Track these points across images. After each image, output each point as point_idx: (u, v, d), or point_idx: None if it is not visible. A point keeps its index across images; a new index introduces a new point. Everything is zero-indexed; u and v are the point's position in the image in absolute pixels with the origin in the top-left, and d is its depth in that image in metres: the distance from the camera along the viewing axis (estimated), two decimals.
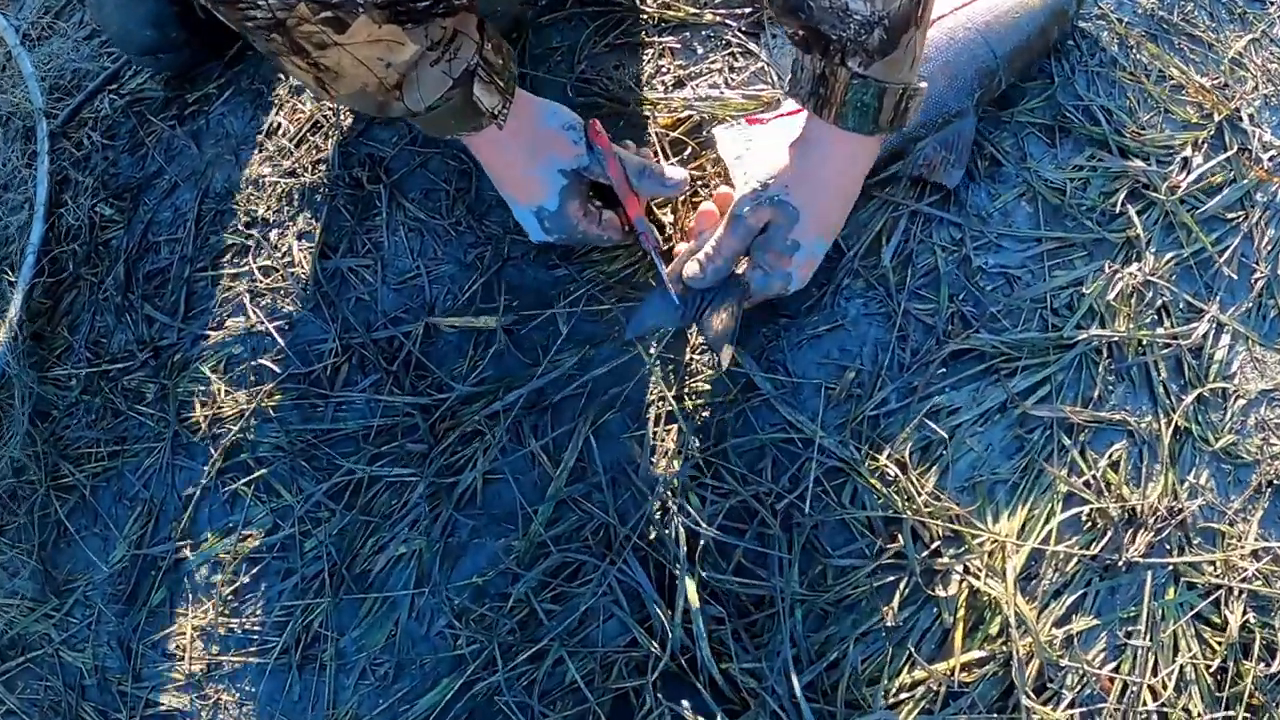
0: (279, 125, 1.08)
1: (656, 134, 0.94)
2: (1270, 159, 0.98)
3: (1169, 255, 0.91)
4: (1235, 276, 0.92)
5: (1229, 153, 0.97)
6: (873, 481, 0.79)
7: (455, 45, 0.72)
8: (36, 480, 0.99)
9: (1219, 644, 0.78)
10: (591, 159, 0.84)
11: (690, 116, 0.96)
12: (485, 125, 0.77)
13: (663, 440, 0.83)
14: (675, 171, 0.87)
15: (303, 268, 0.97)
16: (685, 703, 0.74)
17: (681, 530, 0.77)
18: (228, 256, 1.02)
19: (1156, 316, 0.89)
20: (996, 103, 0.97)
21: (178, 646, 0.87)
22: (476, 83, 0.74)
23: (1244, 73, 1.05)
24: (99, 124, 1.23)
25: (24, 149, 1.30)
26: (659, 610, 0.76)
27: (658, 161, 0.91)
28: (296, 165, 1.04)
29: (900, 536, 0.77)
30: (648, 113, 0.96)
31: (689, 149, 0.94)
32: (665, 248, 0.89)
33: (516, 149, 0.82)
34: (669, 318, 0.83)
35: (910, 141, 0.89)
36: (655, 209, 0.93)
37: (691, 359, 0.86)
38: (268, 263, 0.99)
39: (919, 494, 0.78)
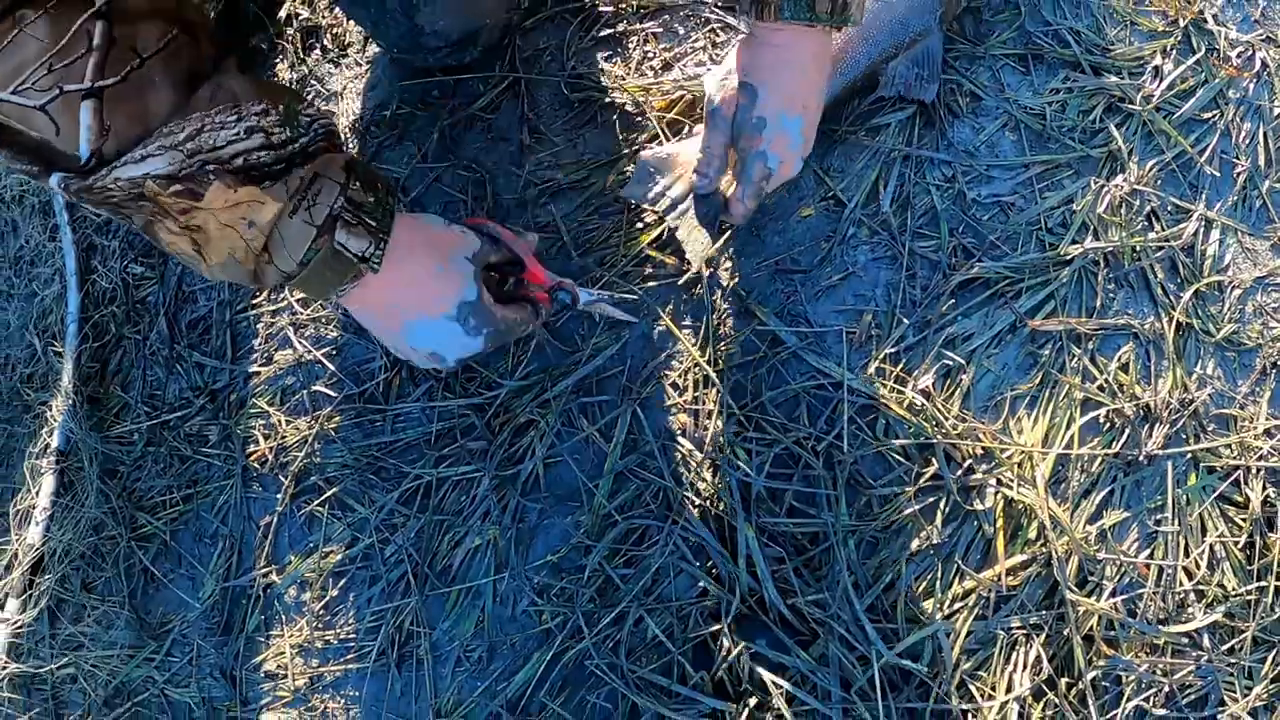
0: None
1: (655, 118, 0.99)
2: (1238, 54, 1.00)
3: (1151, 162, 0.95)
4: (1218, 174, 0.95)
5: (1197, 55, 0.99)
6: (902, 412, 0.84)
7: (315, 190, 0.69)
8: (117, 535, 1.03)
9: (1244, 521, 0.83)
10: (484, 241, 0.83)
11: (683, 96, 1.00)
12: (362, 273, 0.73)
13: (703, 403, 0.88)
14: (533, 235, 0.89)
15: None
16: (760, 640, 0.80)
17: (734, 483, 0.83)
18: (264, 294, 1.06)
19: (1147, 222, 0.93)
20: (968, 38, 1.01)
21: (279, 666, 0.92)
22: (340, 228, 0.70)
23: None
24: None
25: (44, 223, 1.34)
26: (724, 559, 0.82)
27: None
28: None
29: (934, 460, 0.83)
30: (641, 99, 1.01)
31: (686, 127, 0.99)
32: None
33: (422, 261, 0.78)
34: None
35: (883, 63, 0.94)
36: None
37: (720, 323, 0.91)
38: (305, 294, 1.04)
39: (946, 418, 0.84)
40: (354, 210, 0.71)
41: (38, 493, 1.10)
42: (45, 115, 0.56)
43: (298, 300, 1.04)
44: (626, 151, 0.99)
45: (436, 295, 0.79)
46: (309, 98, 0.69)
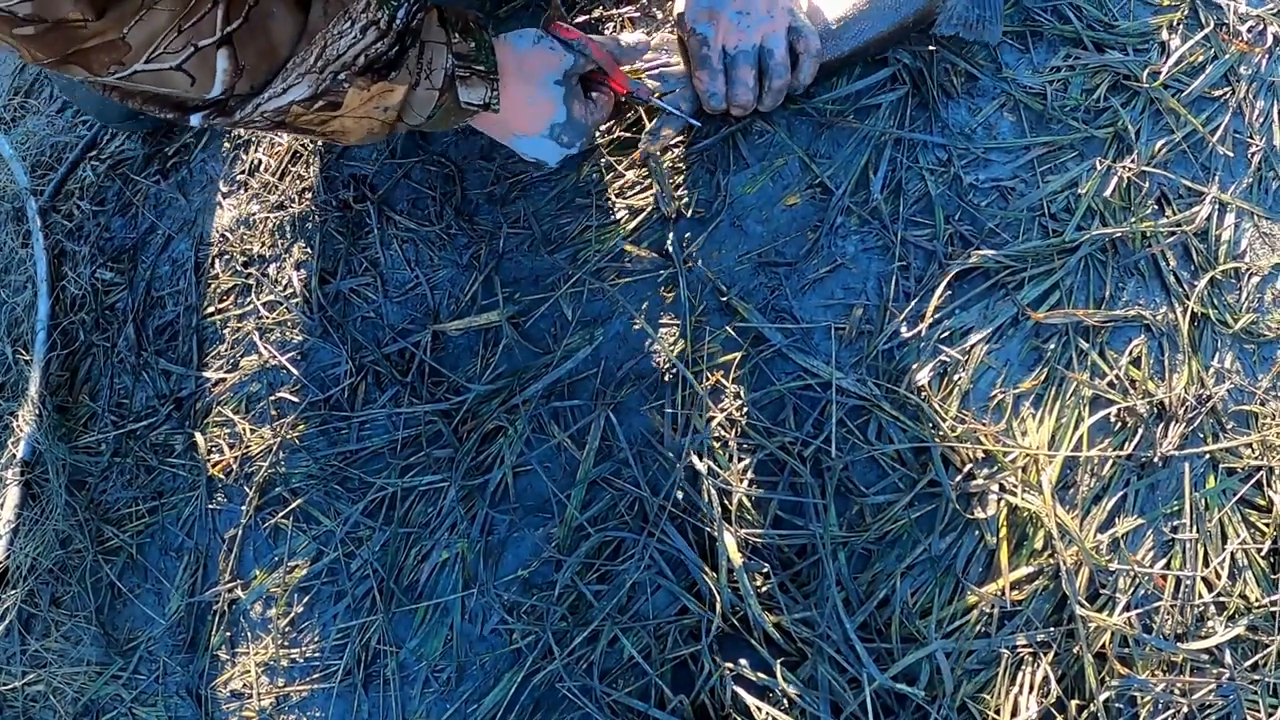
0: (260, 161, 1.09)
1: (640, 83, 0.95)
2: (1249, 29, 0.97)
3: (1160, 142, 0.90)
4: (1231, 154, 0.91)
5: (1206, 30, 0.96)
6: (895, 414, 0.79)
7: (427, 59, 0.75)
8: (84, 548, 1.01)
9: (1267, 526, 0.78)
10: (573, 55, 0.87)
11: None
12: (481, 113, 0.83)
13: (681, 407, 0.83)
14: (633, 36, 0.94)
15: (305, 296, 0.99)
16: (743, 661, 0.75)
17: (713, 492, 0.78)
18: (231, 298, 1.04)
19: (1157, 206, 0.89)
20: None
21: (245, 685, 0.89)
22: (459, 85, 0.78)
23: None
24: (85, 192, 1.25)
25: (17, 229, 1.32)
26: (704, 574, 0.77)
27: (615, 36, 0.97)
28: (283, 198, 1.05)
29: (931, 465, 0.78)
30: None
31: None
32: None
33: (515, 90, 0.85)
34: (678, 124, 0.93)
35: (940, 1, 0.91)
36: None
37: (699, 320, 0.86)
38: (271, 297, 1.01)
39: (944, 419, 0.79)
40: (465, 63, 0.78)
41: (2, 505, 1.07)
42: (183, 72, 0.62)
43: (263, 304, 1.00)
44: (601, 143, 0.95)
45: (532, 118, 0.87)
46: None
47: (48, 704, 0.99)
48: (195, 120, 0.68)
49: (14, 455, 1.10)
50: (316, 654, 0.87)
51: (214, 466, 0.96)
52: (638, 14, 1.01)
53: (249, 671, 0.89)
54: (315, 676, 0.86)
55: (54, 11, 0.54)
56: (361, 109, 0.74)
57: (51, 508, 1.06)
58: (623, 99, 0.93)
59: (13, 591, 1.04)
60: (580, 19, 1.02)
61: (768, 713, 0.72)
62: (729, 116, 0.92)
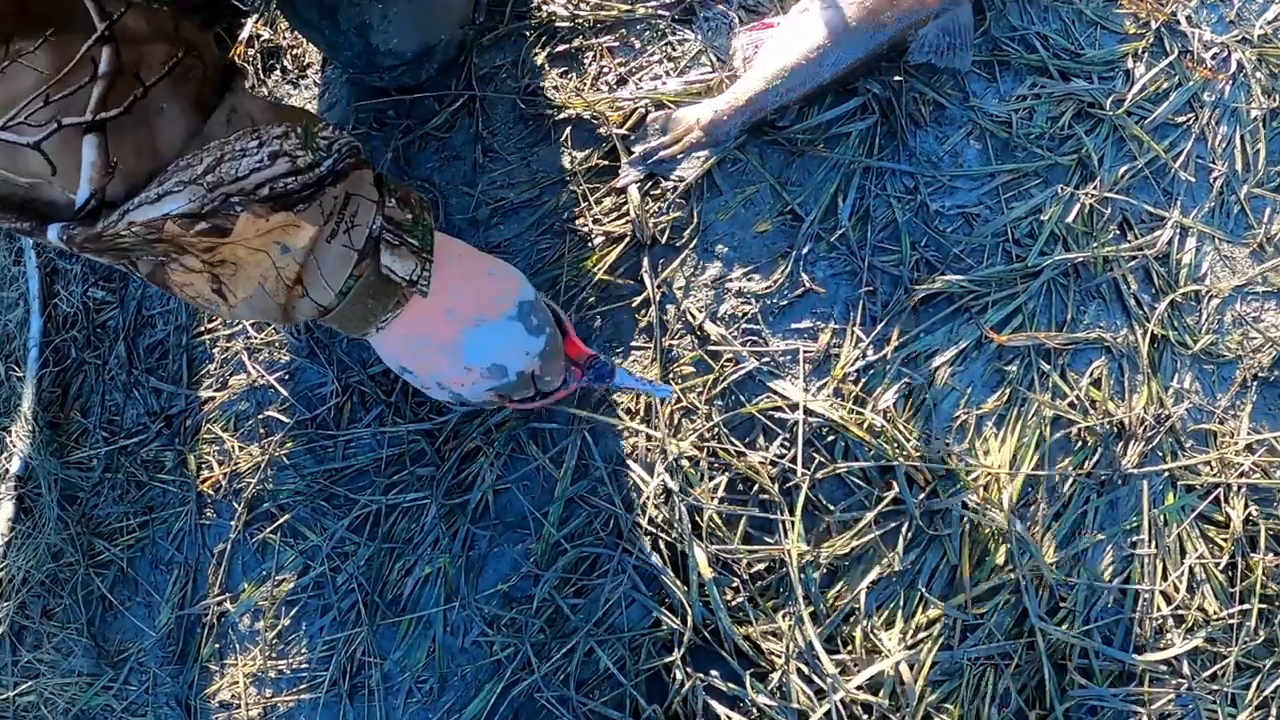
0: None
1: (615, 135, 0.97)
2: (1213, 56, 0.98)
3: (1123, 169, 0.92)
4: (1193, 179, 0.93)
5: (1170, 58, 0.97)
6: (862, 434, 0.82)
7: (350, 210, 0.63)
8: (75, 561, 1.02)
9: (1225, 541, 0.81)
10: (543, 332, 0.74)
11: (639, 109, 0.98)
12: (408, 298, 0.68)
13: (654, 428, 0.86)
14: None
15: None
16: (714, 672, 0.77)
17: (684, 509, 0.80)
18: (220, 319, 1.05)
19: (1119, 231, 0.91)
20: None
21: (233, 696, 0.91)
22: (384, 250, 0.64)
23: None
24: None
25: (9, 247, 1.34)
26: (676, 588, 0.79)
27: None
28: None
29: (895, 483, 0.80)
30: (599, 115, 0.99)
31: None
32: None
33: (469, 264, 0.73)
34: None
35: (912, 29, 0.93)
36: None
37: (672, 345, 0.89)
38: None
39: (908, 440, 0.81)
40: (395, 230, 0.65)
41: None
42: (40, 154, 0.51)
43: (252, 324, 1.02)
44: (580, 170, 0.97)
45: (496, 294, 0.72)
46: (322, 117, 0.65)
47: (39, 714, 1.00)
48: (53, 234, 0.55)
49: (6, 470, 1.12)
50: (303, 665, 0.89)
51: (203, 483, 0.98)
52: (616, 43, 1.03)
53: (237, 683, 0.91)
54: (302, 687, 0.88)
55: None
56: (257, 240, 0.59)
57: (44, 521, 1.08)
58: (575, 366, 0.80)
59: (5, 604, 1.05)
60: (561, 48, 1.04)
61: None
62: None
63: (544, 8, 1.06)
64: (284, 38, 1.18)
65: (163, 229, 0.56)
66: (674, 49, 1.02)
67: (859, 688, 0.75)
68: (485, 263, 0.73)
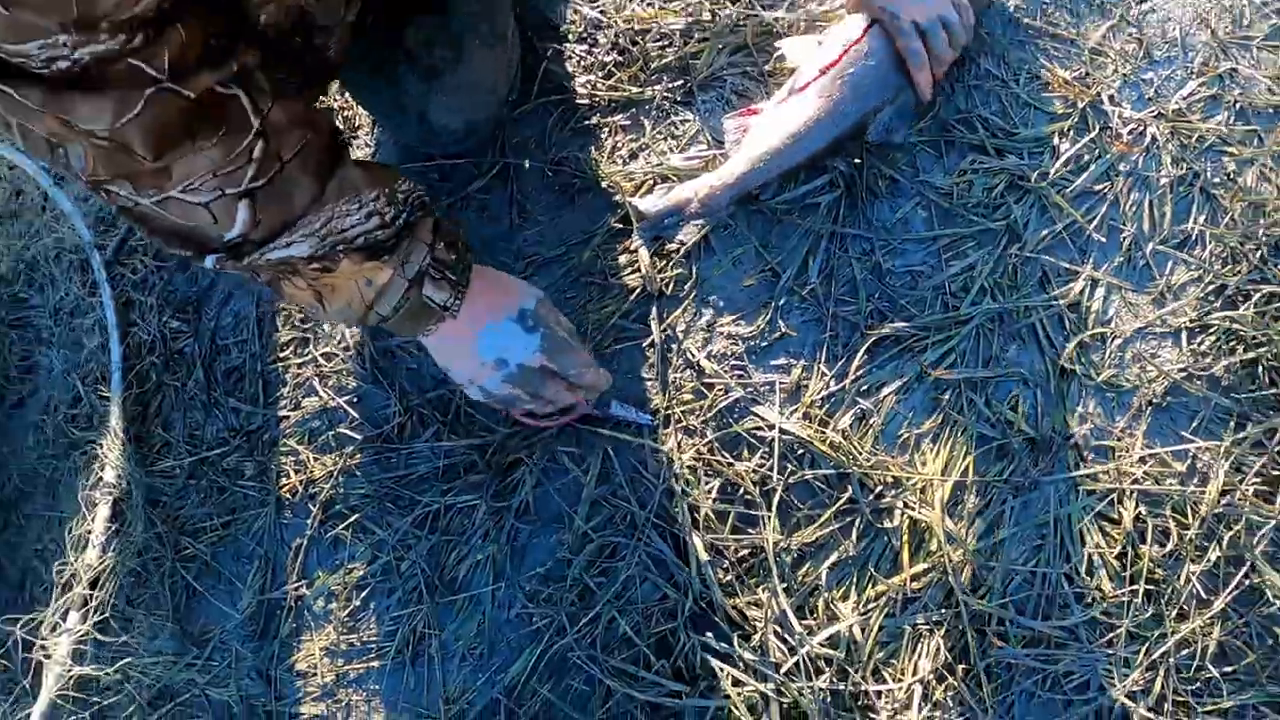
0: None
1: (628, 203, 1.11)
2: (1129, 131, 1.07)
3: (1045, 231, 1.03)
4: (1105, 239, 1.03)
5: (1092, 134, 1.07)
6: (825, 449, 1.00)
7: (408, 252, 0.81)
8: (162, 556, 1.14)
9: (1118, 535, 0.91)
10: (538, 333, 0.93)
11: (649, 180, 1.15)
12: (444, 318, 0.87)
13: (662, 443, 1.03)
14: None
15: (358, 351, 1.17)
16: (709, 634, 0.94)
17: (686, 507, 0.99)
18: (291, 348, 1.20)
19: (1039, 284, 1.02)
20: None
21: (309, 665, 1.03)
22: (426, 282, 0.84)
23: (1104, 59, 1.13)
24: (149, 249, 1.35)
25: (83, 279, 1.40)
26: (679, 569, 0.97)
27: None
28: None
29: (851, 487, 0.98)
30: (615, 184, 1.16)
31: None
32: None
33: (491, 294, 0.91)
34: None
35: (872, 113, 1.07)
36: None
37: (675, 377, 1.08)
38: (327, 349, 1.18)
39: (860, 453, 1.00)
40: (439, 267, 0.84)
41: (93, 519, 1.24)
42: (207, 210, 0.69)
43: (321, 355, 1.20)
44: (600, 231, 1.14)
45: (503, 304, 0.91)
46: (402, 175, 0.85)
47: (123, 691, 1.08)
48: (209, 262, 0.73)
49: (100, 478, 1.27)
50: (372, 639, 1.02)
51: (282, 488, 1.12)
52: (628, 121, 1.22)
53: (313, 654, 1.02)
54: (370, 657, 1.01)
55: (124, 138, 0.61)
56: (352, 273, 0.79)
57: (133, 523, 1.17)
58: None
59: (102, 592, 1.19)
60: (581, 124, 1.22)
61: (729, 672, 0.92)
62: (924, 79, 1.06)
63: (565, 85, 1.22)
64: (335, 99, 1.32)
65: (291, 265, 0.75)
66: (676, 128, 1.19)
67: (821, 644, 0.92)
68: (500, 282, 0.93)
